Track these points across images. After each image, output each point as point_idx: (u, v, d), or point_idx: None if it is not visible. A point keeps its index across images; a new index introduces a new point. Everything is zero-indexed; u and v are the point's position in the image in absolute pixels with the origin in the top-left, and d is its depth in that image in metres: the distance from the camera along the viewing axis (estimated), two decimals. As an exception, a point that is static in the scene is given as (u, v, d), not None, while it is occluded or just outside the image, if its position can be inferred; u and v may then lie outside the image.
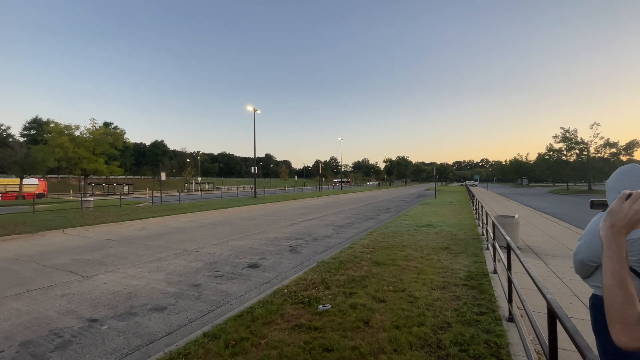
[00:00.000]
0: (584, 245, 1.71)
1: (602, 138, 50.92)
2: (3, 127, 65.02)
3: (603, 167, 48.98)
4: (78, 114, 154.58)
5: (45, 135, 40.23)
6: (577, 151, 53.74)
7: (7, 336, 3.85)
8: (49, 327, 4.07)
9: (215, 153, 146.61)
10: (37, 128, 68.54)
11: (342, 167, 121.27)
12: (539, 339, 2.22)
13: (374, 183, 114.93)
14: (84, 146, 34.54)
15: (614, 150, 50.71)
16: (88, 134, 35.77)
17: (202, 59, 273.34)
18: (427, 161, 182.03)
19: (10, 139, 59.62)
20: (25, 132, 71.89)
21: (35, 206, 18.49)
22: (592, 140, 51.55)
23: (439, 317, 3.78)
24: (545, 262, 6.88)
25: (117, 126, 45.94)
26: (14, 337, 3.81)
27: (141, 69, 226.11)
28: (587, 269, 1.73)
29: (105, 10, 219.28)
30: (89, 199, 20.89)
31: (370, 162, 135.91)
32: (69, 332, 3.94)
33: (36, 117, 72.54)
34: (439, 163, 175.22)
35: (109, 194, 47.38)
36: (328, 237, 10.53)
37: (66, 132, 34.25)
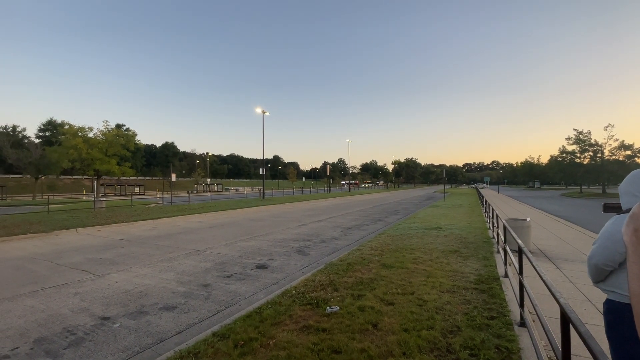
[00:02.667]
0: (599, 249, 1.68)
1: (617, 140, 49.73)
2: (19, 129, 67.04)
3: (618, 169, 47.73)
4: (91, 115, 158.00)
5: (59, 137, 41.29)
6: (590, 153, 52.54)
7: (22, 333, 3.94)
8: (63, 325, 4.16)
9: (224, 155, 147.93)
10: (52, 130, 70.34)
11: (350, 168, 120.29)
12: (551, 344, 2.18)
13: (365, 186, 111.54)
14: (97, 147, 35.35)
15: (629, 152, 49.39)
16: (101, 136, 36.60)
17: (211, 60, 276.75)
18: (436, 163, 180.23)
19: (26, 141, 61.43)
20: (40, 134, 73.71)
21: (50, 206, 18.93)
22: (606, 142, 50.35)
23: (448, 320, 3.74)
24: (558, 267, 6.75)
25: (128, 128, 47.07)
26: (28, 334, 3.91)
27: (153, 71, 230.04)
28: (602, 273, 1.71)
29: (116, 12, 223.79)
30: (101, 199, 21.29)
31: (379, 163, 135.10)
32: (82, 329, 4.02)
33: (51, 119, 74.39)
34: (448, 165, 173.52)
35: (120, 195, 48.19)
36: (336, 239, 10.52)
37: (80, 134, 35.09)
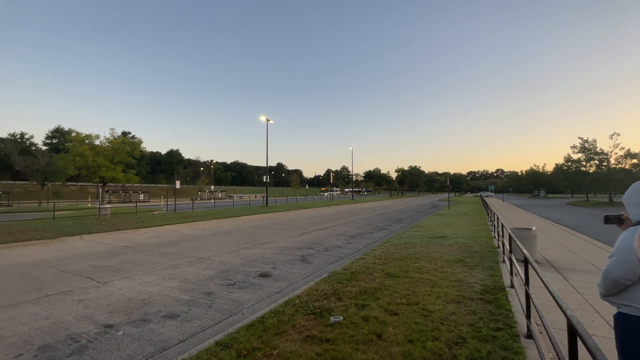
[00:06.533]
0: (618, 262, 1.66)
1: (623, 148, 49.48)
2: (27, 136, 68.10)
3: (624, 178, 47.27)
4: (98, 123, 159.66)
5: (66, 144, 41.83)
6: (596, 162, 52.22)
7: (26, 340, 3.95)
8: (66, 332, 4.16)
9: (228, 162, 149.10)
10: (59, 137, 71.34)
11: (354, 176, 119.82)
12: (558, 357, 2.15)
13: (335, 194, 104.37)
14: (103, 155, 35.69)
15: (635, 161, 49.06)
16: (107, 143, 36.97)
17: (216, 69, 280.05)
18: (440, 171, 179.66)
19: (33, 148, 62.23)
20: (48, 141, 74.77)
21: (55, 212, 19.08)
22: (612, 151, 50.10)
23: (454, 331, 3.70)
24: (565, 277, 6.66)
25: (134, 135, 47.54)
26: (32, 341, 3.91)
27: (159, 79, 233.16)
28: (618, 287, 1.69)
29: (122, 21, 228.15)
30: (106, 206, 21.43)
31: (382, 171, 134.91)
32: (85, 337, 4.02)
33: (58, 126, 75.59)
34: (452, 173, 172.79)
35: (125, 202, 48.51)
36: (339, 247, 10.47)
37: (87, 142, 35.49)
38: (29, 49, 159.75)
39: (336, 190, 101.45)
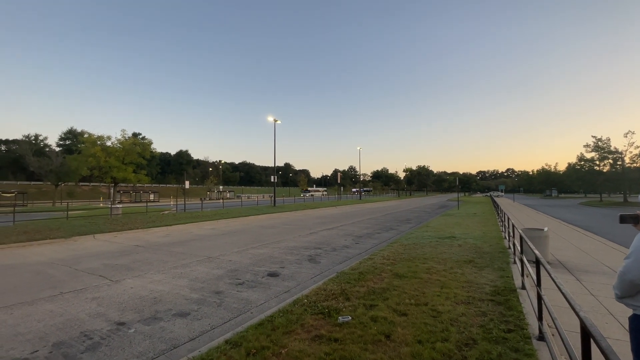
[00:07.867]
0: (635, 264, 1.63)
1: (638, 147, 48.19)
2: (41, 138, 69.78)
3: (639, 177, 46.16)
4: (109, 124, 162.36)
5: (79, 146, 42.73)
6: (610, 161, 51.00)
7: (41, 336, 4.05)
8: (80, 329, 4.25)
9: (237, 162, 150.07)
10: (72, 138, 72.81)
11: (361, 176, 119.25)
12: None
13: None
14: (114, 156, 36.36)
15: (650, 159, 47.79)
16: (118, 144, 37.64)
17: (225, 71, 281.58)
18: (448, 171, 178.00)
19: (47, 149, 63.65)
20: (61, 143, 76.33)
21: (69, 212, 19.49)
22: (626, 150, 48.84)
23: (463, 333, 3.66)
24: (578, 279, 6.53)
25: (145, 137, 48.23)
26: (47, 338, 4.01)
27: (169, 81, 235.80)
28: (636, 289, 1.66)
29: (130, 23, 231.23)
30: (118, 206, 21.81)
31: (390, 171, 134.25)
32: (98, 334, 4.10)
33: (71, 128, 77.11)
34: (461, 173, 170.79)
35: (135, 202, 49.23)
36: (347, 247, 10.46)
37: (99, 143, 36.19)
38: (42, 52, 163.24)
39: (321, 191, 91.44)
